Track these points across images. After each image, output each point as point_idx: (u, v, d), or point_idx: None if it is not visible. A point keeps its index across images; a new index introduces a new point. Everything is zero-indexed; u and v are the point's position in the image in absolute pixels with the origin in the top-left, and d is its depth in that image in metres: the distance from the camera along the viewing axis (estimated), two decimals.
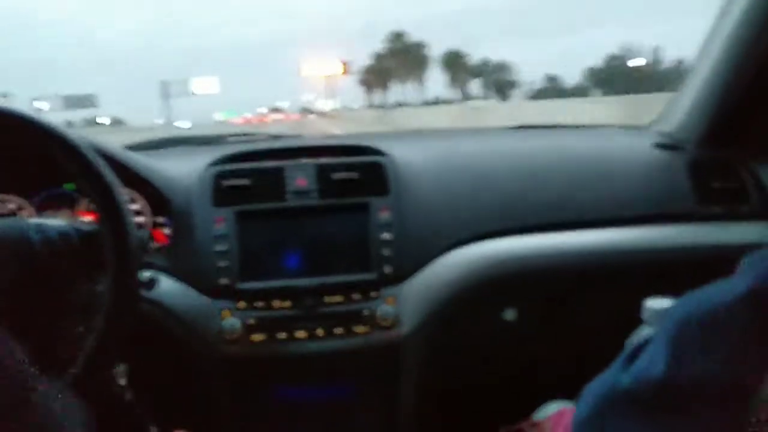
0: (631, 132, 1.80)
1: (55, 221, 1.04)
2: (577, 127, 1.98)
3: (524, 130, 1.94)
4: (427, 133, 2.12)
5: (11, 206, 1.37)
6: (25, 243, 0.97)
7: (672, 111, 1.63)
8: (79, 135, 1.01)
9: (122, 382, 1.15)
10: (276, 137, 1.94)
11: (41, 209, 1.38)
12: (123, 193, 1.00)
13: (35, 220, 1.03)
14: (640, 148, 1.59)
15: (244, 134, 1.98)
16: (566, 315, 1.51)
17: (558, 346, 1.50)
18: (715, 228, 1.45)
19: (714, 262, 1.36)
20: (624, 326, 1.04)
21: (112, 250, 0.96)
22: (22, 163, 1.33)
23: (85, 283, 1.03)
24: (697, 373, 0.59)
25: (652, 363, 0.62)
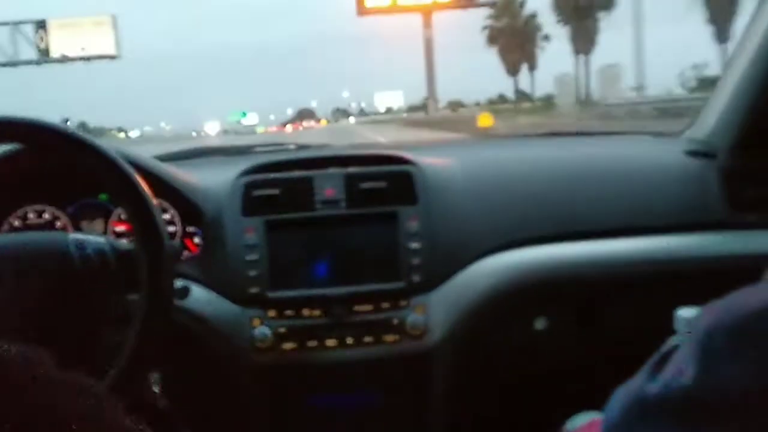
0: (662, 139, 1.78)
1: (94, 237, 1.07)
2: (606, 133, 1.97)
3: (553, 137, 1.93)
4: (454, 142, 2.12)
5: (47, 217, 1.40)
6: (65, 258, 1.00)
7: (703, 117, 1.61)
8: (112, 146, 1.03)
9: (156, 390, 1.17)
10: (304, 147, 1.96)
11: (76, 220, 1.41)
12: (155, 203, 1.02)
13: (75, 236, 1.05)
14: (672, 155, 1.57)
15: (273, 144, 2.00)
16: (597, 324, 1.49)
17: (589, 356, 1.49)
18: (749, 236, 1.43)
19: (748, 271, 1.34)
20: (656, 336, 1.03)
21: (146, 261, 0.98)
22: (57, 175, 1.36)
23: (120, 295, 1.05)
24: (727, 380, 0.58)
25: (681, 371, 0.62)
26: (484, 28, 55.91)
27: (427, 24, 44.88)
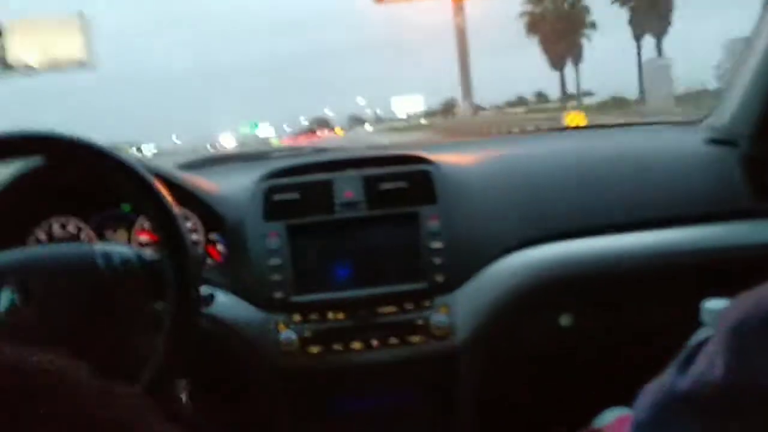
0: (682, 128, 1.76)
1: (120, 247, 1.08)
2: (625, 125, 1.95)
3: (571, 131, 1.92)
4: (472, 141, 2.12)
5: (71, 229, 1.42)
6: (92, 268, 1.01)
7: (724, 105, 1.59)
8: (134, 157, 1.04)
9: (184, 397, 1.18)
10: (321, 150, 1.96)
11: (99, 230, 1.42)
12: (179, 212, 1.03)
13: (101, 247, 1.07)
14: (692, 144, 1.55)
15: (289, 149, 2.01)
16: (623, 319, 1.48)
17: (616, 351, 1.48)
18: None
19: None
20: (683, 329, 1.02)
21: (172, 270, 0.99)
22: (81, 186, 1.37)
23: (147, 304, 1.06)
24: (757, 374, 0.58)
25: (711, 366, 0.61)
26: (522, 14, 46.06)
27: (458, 11, 38.47)
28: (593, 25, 45.26)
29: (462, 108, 42.04)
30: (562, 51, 45.44)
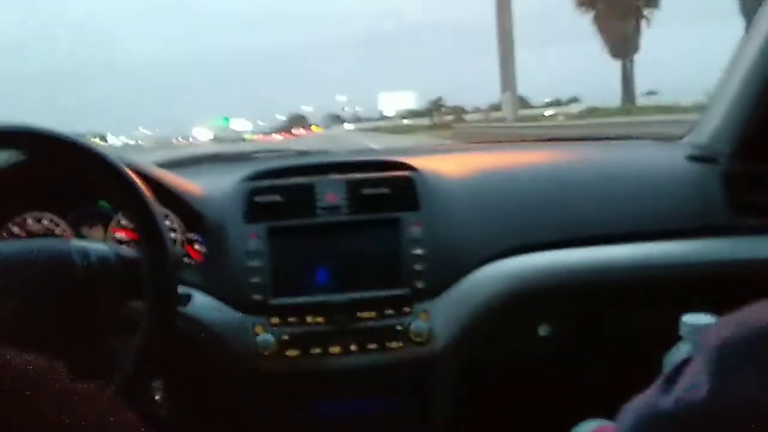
0: (663, 144, 1.78)
1: (97, 245, 1.07)
2: (608, 138, 1.97)
3: (555, 142, 1.93)
4: (456, 148, 2.12)
5: (47, 224, 1.40)
6: (68, 265, 1.00)
7: (705, 122, 1.61)
8: (114, 153, 1.03)
9: (158, 397, 1.17)
10: (304, 153, 1.96)
11: (76, 226, 1.40)
12: (159, 210, 1.02)
13: (78, 243, 1.05)
14: (673, 160, 1.57)
15: (273, 151, 2.00)
16: (601, 330, 1.49)
17: (594, 362, 1.49)
18: (750, 241, 1.43)
19: (750, 276, 1.36)
20: (661, 342, 1.03)
21: (150, 269, 0.98)
22: (58, 181, 1.35)
23: (124, 302, 1.05)
24: (740, 396, 0.58)
25: (694, 386, 0.61)
26: None
27: (504, 6, 32.29)
28: (656, 3, 33.28)
29: (505, 108, 32.94)
30: (627, 33, 32.61)
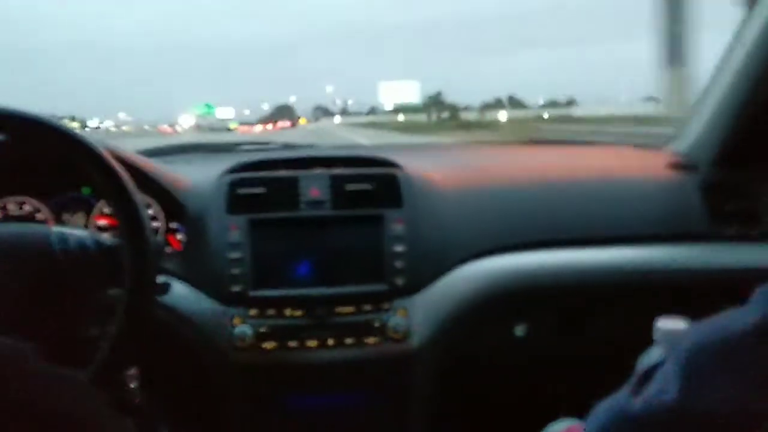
0: (645, 151, 1.80)
1: (77, 231, 1.06)
2: (590, 143, 1.99)
3: (538, 145, 1.95)
4: (441, 146, 2.13)
5: (28, 208, 1.39)
6: (46, 250, 0.99)
7: (686, 131, 1.63)
8: (96, 139, 1.02)
9: (133, 385, 1.17)
10: (290, 146, 1.96)
11: (57, 212, 1.40)
12: (141, 198, 1.01)
13: (57, 229, 1.04)
14: (654, 167, 1.59)
15: (258, 143, 2.00)
16: (577, 332, 1.51)
17: (568, 363, 1.50)
18: (728, 250, 1.45)
19: (726, 284, 1.38)
20: (635, 345, 1.04)
21: (129, 256, 0.98)
22: (41, 167, 1.35)
23: (102, 289, 1.04)
24: (709, 400, 0.59)
25: (664, 389, 0.62)
26: None
27: None
28: None
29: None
30: None
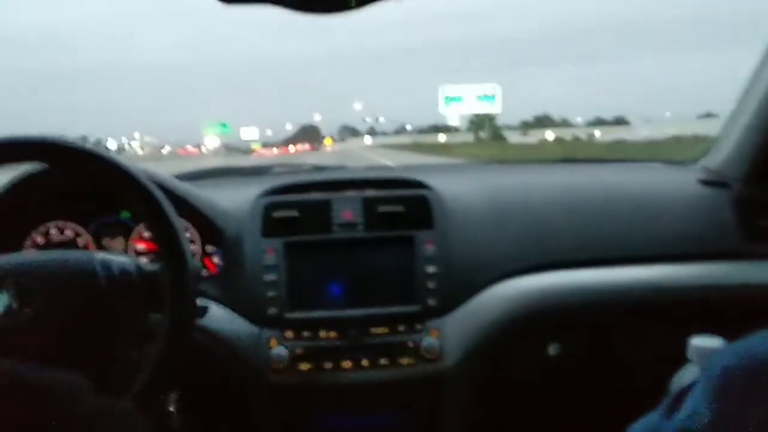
0: (676, 167, 1.79)
1: (119, 257, 1.08)
2: (621, 161, 1.98)
3: (569, 164, 1.95)
4: (471, 166, 2.14)
5: (69, 233, 1.43)
6: (91, 277, 1.01)
7: (718, 147, 1.62)
8: (135, 165, 1.05)
9: (171, 408, 1.19)
10: (320, 168, 1.98)
11: (97, 237, 1.43)
12: (180, 224, 1.04)
13: (101, 255, 1.07)
14: (686, 184, 1.58)
15: (291, 165, 2.03)
16: (610, 351, 1.50)
17: (602, 382, 1.49)
18: (762, 267, 1.43)
19: (760, 301, 1.36)
20: (669, 364, 1.04)
21: (169, 282, 1.00)
22: (80, 192, 1.38)
23: (143, 314, 1.06)
24: (742, 425, 0.59)
25: (697, 413, 0.62)
26: None
27: None
28: None
29: None
30: None
